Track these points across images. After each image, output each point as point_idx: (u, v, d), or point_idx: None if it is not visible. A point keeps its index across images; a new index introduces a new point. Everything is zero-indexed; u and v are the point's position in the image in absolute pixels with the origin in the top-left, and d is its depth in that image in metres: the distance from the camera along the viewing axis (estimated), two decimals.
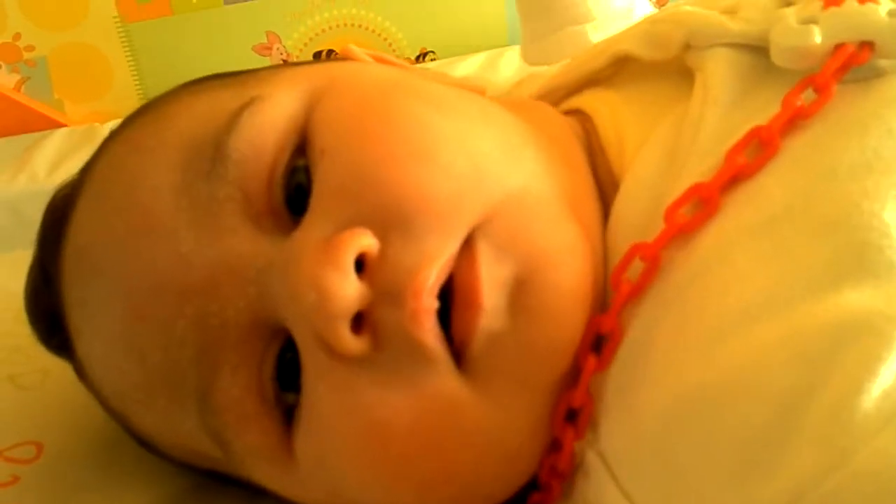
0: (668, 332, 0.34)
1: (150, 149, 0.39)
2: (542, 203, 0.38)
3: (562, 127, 0.46)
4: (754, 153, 0.36)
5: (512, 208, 0.36)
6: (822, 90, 0.36)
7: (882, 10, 0.37)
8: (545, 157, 0.39)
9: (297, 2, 1.28)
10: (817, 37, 0.37)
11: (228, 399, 0.37)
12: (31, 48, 1.23)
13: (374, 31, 1.31)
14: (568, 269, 0.36)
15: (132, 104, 0.45)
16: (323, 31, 1.30)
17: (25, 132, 1.14)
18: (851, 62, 0.36)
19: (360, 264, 0.34)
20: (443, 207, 0.35)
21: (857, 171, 0.33)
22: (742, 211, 0.35)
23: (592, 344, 0.36)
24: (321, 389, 0.36)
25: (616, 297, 0.36)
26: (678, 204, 0.36)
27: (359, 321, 0.34)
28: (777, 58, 0.38)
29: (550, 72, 0.53)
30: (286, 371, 0.37)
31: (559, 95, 0.50)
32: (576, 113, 0.47)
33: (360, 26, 1.31)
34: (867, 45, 0.36)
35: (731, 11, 0.41)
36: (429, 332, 0.34)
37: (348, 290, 0.33)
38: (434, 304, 0.34)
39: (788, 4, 0.39)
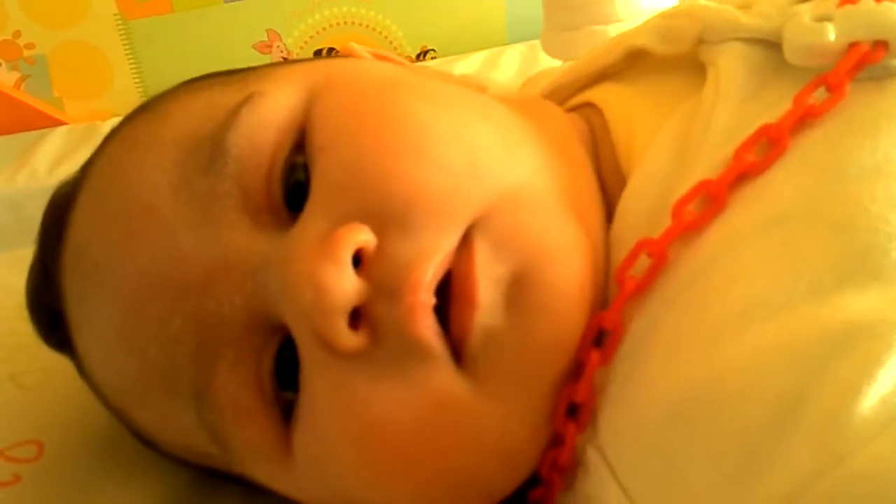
0: (670, 328, 0.34)
1: (149, 146, 0.39)
2: (541, 199, 0.38)
3: (564, 124, 0.45)
4: (764, 151, 0.35)
5: (510, 204, 0.36)
6: (834, 89, 0.36)
7: None
8: (544, 154, 0.39)
9: (297, 0, 1.28)
10: (831, 34, 0.36)
11: (226, 395, 0.37)
12: (31, 46, 1.23)
13: (374, 29, 1.31)
14: (566, 266, 0.36)
15: (132, 102, 0.45)
16: (323, 28, 1.30)
17: (25, 130, 1.14)
18: (865, 61, 0.36)
19: (357, 260, 0.34)
20: (440, 203, 0.35)
21: (867, 172, 0.33)
22: (749, 209, 0.35)
23: (595, 339, 0.36)
24: (319, 386, 0.36)
25: (620, 292, 0.36)
26: (686, 200, 0.36)
27: (356, 317, 0.34)
28: (790, 55, 0.38)
29: (562, 68, 0.53)
30: (285, 369, 0.37)
31: (571, 90, 0.50)
32: (587, 106, 0.47)
33: (360, 24, 1.31)
34: (881, 45, 0.36)
35: (745, 6, 0.41)
36: (426, 328, 0.34)
37: (345, 285, 0.33)
38: (431, 300, 0.34)
39: (803, 1, 0.39)
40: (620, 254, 0.37)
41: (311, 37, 1.30)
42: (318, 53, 1.31)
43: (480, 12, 1.32)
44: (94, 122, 1.15)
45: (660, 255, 0.35)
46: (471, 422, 0.35)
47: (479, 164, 0.37)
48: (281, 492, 0.41)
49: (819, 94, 0.36)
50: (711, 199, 0.35)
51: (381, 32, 1.31)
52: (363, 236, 0.34)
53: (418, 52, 1.33)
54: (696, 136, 0.38)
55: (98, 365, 0.41)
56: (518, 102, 0.46)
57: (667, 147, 0.39)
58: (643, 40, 0.45)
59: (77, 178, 0.43)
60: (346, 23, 1.30)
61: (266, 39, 1.29)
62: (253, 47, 1.28)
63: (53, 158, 1.01)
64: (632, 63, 0.47)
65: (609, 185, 0.42)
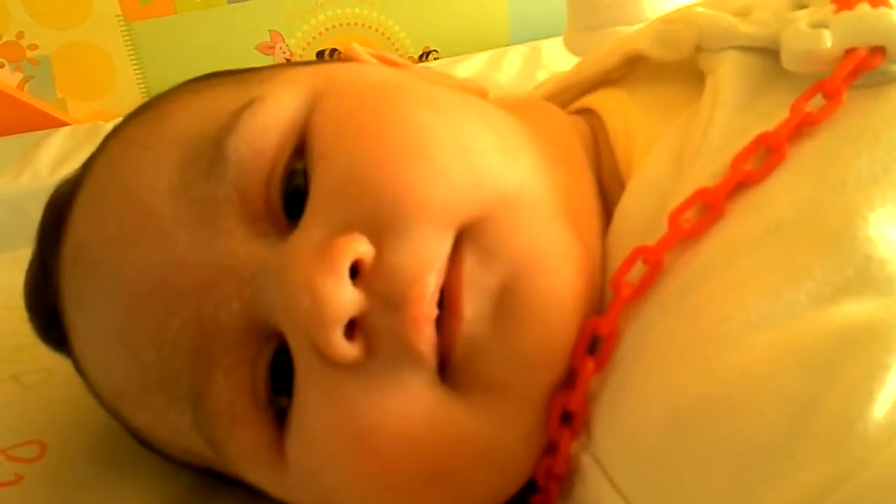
0: (666, 336, 0.34)
1: (149, 147, 0.39)
2: (536, 206, 0.37)
3: (565, 128, 0.45)
4: (761, 159, 0.35)
5: (506, 211, 0.36)
6: (831, 96, 0.36)
7: (895, 14, 0.36)
8: (543, 160, 0.39)
9: (300, 0, 1.28)
10: (828, 41, 0.36)
11: (221, 401, 0.37)
12: (34, 47, 1.23)
13: (377, 30, 1.31)
14: (558, 275, 0.36)
15: (135, 103, 0.45)
16: (326, 29, 1.30)
17: (28, 131, 1.14)
18: (862, 67, 0.36)
19: (355, 269, 0.34)
20: (437, 209, 0.35)
21: (865, 182, 0.33)
22: (747, 217, 0.34)
23: (589, 346, 0.36)
24: (312, 394, 0.36)
25: (616, 299, 0.35)
26: (683, 208, 0.35)
27: (351, 327, 0.34)
28: (787, 62, 0.38)
29: (566, 70, 0.53)
30: (279, 374, 0.37)
31: (572, 94, 0.50)
32: (586, 112, 0.47)
33: (363, 25, 1.31)
34: (879, 50, 0.36)
35: (743, 13, 0.41)
36: (426, 340, 0.34)
37: (343, 296, 0.33)
38: (434, 311, 0.34)
39: (801, 7, 0.39)
40: (617, 260, 0.37)
41: (313, 38, 1.30)
42: (320, 54, 1.31)
43: (483, 13, 1.32)
44: (97, 122, 1.15)
45: (656, 263, 0.35)
46: (460, 432, 0.35)
47: (477, 170, 0.36)
48: (275, 496, 0.41)
49: (816, 102, 0.36)
50: (709, 207, 0.35)
51: (383, 33, 1.31)
52: (362, 248, 0.34)
53: (421, 52, 1.33)
54: (694, 145, 0.38)
55: (95, 366, 0.41)
56: (518, 106, 0.46)
57: (665, 154, 0.39)
58: (642, 45, 0.45)
59: (77, 177, 0.43)
60: (348, 24, 1.30)
61: (269, 40, 1.29)
62: (256, 48, 1.28)
63: (56, 159, 1.01)
64: (632, 69, 0.47)
65: (610, 190, 0.42)
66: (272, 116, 0.37)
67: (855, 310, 0.30)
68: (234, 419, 0.37)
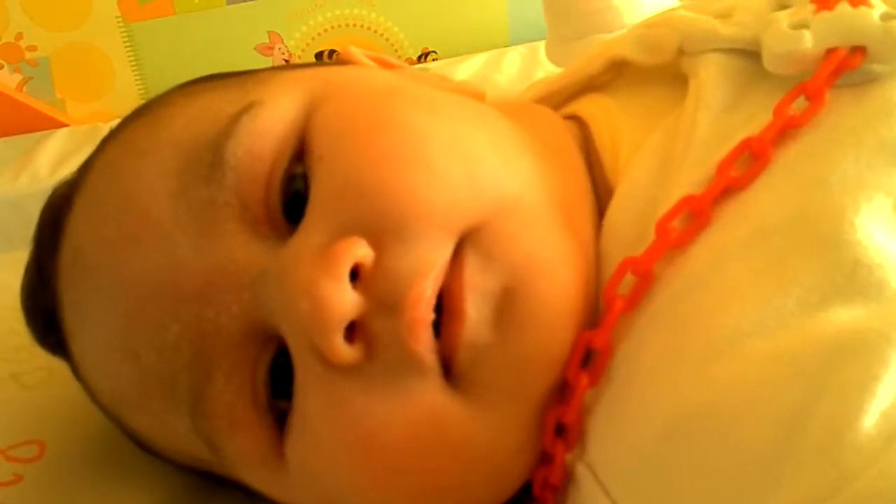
0: (659, 347, 0.34)
1: (147, 151, 0.39)
2: (535, 211, 0.37)
3: (561, 131, 0.45)
4: (747, 164, 0.35)
5: (505, 216, 0.36)
6: (814, 98, 0.36)
7: (875, 13, 0.36)
8: (541, 164, 0.39)
9: (299, 2, 1.27)
10: (808, 41, 0.36)
11: (221, 404, 0.37)
12: (33, 48, 1.23)
13: (375, 31, 1.31)
14: (558, 281, 0.36)
15: (134, 104, 0.45)
16: (325, 30, 1.30)
17: (27, 132, 1.14)
18: (843, 67, 0.36)
19: (355, 273, 0.34)
20: (437, 214, 0.35)
21: (850, 183, 0.33)
22: (734, 224, 0.34)
23: (583, 360, 0.36)
24: (312, 397, 0.36)
25: (609, 312, 0.35)
26: (670, 216, 0.35)
27: (351, 330, 0.34)
28: (769, 63, 0.38)
29: (554, 75, 0.53)
30: (279, 377, 0.37)
31: (561, 98, 0.50)
32: (572, 119, 0.47)
33: (361, 26, 1.31)
34: (859, 50, 0.36)
35: (725, 15, 0.41)
36: (424, 343, 0.34)
37: (343, 300, 0.33)
38: (430, 315, 0.34)
39: (783, 8, 0.39)
40: (608, 269, 0.37)
41: (312, 39, 1.30)
42: (319, 55, 1.31)
43: (482, 14, 1.32)
44: (96, 123, 1.15)
45: (644, 274, 0.35)
46: (460, 435, 0.35)
47: (476, 174, 0.37)
48: (274, 498, 0.41)
49: (799, 104, 0.36)
50: (696, 215, 0.35)
51: (382, 34, 1.31)
52: (361, 251, 0.34)
53: (420, 53, 1.33)
54: (679, 150, 0.38)
55: (93, 370, 0.41)
56: (515, 109, 0.46)
57: (650, 161, 0.39)
58: (624, 50, 0.45)
59: (74, 179, 0.43)
60: (347, 25, 1.30)
61: (268, 41, 1.29)
62: (254, 49, 1.28)
63: (55, 160, 1.00)
64: (617, 74, 0.47)
65: (601, 197, 0.42)
66: (271, 121, 0.37)
67: (844, 317, 0.30)
68: (233, 422, 0.37)
